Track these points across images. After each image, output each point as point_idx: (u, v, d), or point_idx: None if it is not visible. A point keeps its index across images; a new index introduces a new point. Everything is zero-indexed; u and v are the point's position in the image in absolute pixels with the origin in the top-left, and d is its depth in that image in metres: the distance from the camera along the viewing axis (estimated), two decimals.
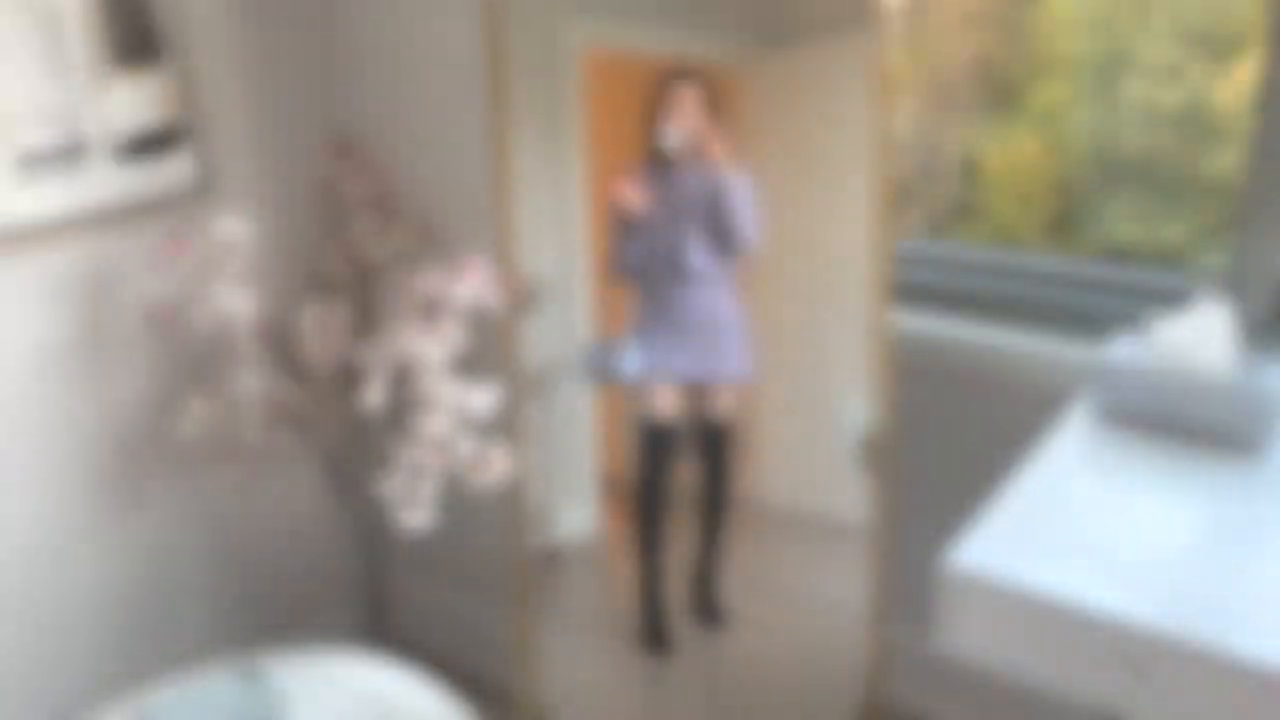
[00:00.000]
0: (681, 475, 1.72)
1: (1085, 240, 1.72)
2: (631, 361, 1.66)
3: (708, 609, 1.72)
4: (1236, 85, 1.52)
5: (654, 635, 1.72)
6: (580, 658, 1.77)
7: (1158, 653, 0.96)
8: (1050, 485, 1.23)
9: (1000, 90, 1.77)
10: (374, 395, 1.70)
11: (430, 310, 1.72)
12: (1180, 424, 1.32)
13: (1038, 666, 1.06)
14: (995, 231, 1.81)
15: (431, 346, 1.62)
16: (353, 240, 1.97)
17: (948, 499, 1.77)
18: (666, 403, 1.66)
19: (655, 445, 1.68)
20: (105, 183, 1.65)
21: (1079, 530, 1.14)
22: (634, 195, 1.61)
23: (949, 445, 1.74)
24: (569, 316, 1.71)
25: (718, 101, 1.60)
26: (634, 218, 1.62)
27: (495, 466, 1.56)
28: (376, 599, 2.03)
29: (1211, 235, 1.61)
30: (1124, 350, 1.39)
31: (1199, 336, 1.32)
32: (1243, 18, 1.51)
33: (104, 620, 1.83)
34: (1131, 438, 1.33)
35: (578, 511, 1.79)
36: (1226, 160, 1.56)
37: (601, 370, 1.68)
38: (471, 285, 1.70)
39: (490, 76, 1.52)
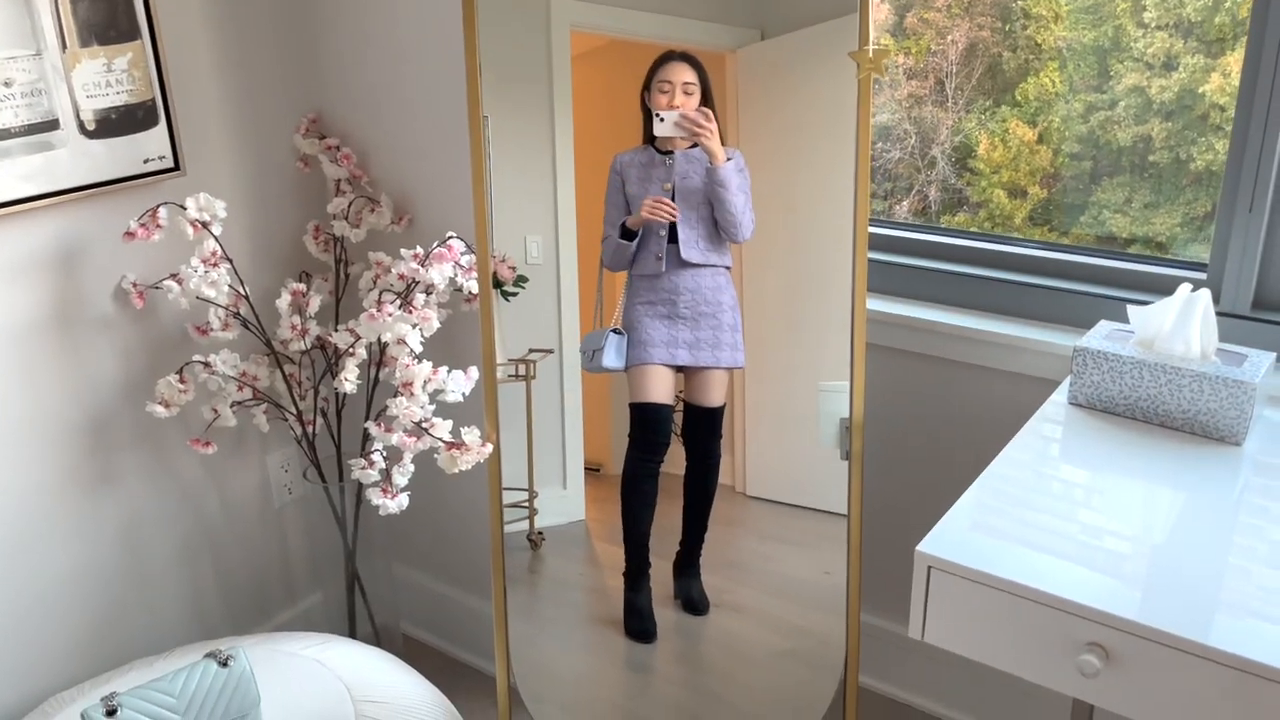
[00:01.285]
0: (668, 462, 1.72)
1: (1074, 230, 1.72)
2: (610, 357, 1.65)
3: (691, 596, 1.72)
4: (1227, 76, 1.52)
5: (639, 623, 1.72)
6: (561, 643, 1.76)
7: (1129, 640, 0.96)
8: (1026, 472, 1.23)
9: (992, 78, 1.76)
10: (350, 377, 1.69)
11: (407, 292, 1.70)
12: (1158, 412, 1.32)
13: (1009, 654, 1.06)
14: (987, 220, 1.79)
15: (408, 329, 1.61)
16: (329, 220, 1.95)
17: (930, 486, 1.78)
18: (659, 390, 1.65)
19: (646, 431, 1.67)
20: (75, 161, 1.62)
21: (1052, 516, 1.14)
22: (671, 210, 1.59)
23: (933, 432, 1.74)
24: (555, 301, 1.71)
25: (710, 84, 1.58)
26: (636, 221, 1.61)
27: (471, 450, 1.55)
28: (353, 582, 2.02)
29: (1200, 227, 1.61)
30: (1103, 338, 1.39)
31: (1178, 325, 1.32)
32: (1233, 9, 1.50)
33: (76, 603, 1.81)
34: (1109, 425, 1.33)
35: (561, 496, 1.76)
36: (1216, 152, 1.55)
37: (588, 359, 1.67)
38: (448, 267, 1.69)
39: (470, 56, 1.50)
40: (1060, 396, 1.41)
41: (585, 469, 1.77)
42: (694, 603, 1.71)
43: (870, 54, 1.41)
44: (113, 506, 1.83)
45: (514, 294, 1.66)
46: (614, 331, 1.65)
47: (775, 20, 1.59)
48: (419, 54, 1.85)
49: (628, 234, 1.62)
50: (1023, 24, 1.71)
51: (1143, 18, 1.58)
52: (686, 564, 1.70)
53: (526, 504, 1.73)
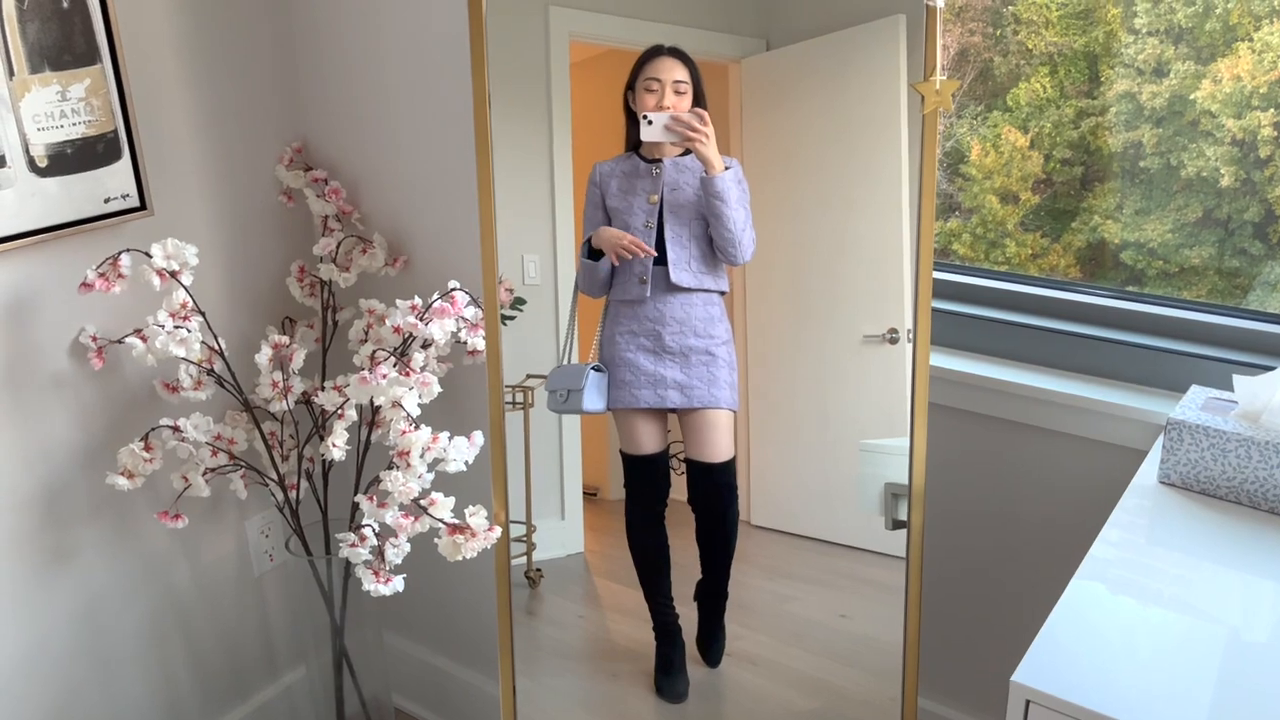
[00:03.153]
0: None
1: (1065, 238, 1.71)
2: (591, 399, 1.47)
3: (706, 647, 1.57)
4: (1218, 83, 1.51)
5: (669, 682, 1.57)
6: (563, 701, 1.64)
7: None
8: (1122, 574, 1.09)
9: (984, 83, 1.74)
10: (338, 443, 1.50)
11: (403, 348, 1.52)
12: (1268, 497, 1.19)
13: None
14: (979, 226, 1.77)
15: (405, 392, 1.42)
16: (316, 262, 1.77)
17: (993, 562, 1.62)
18: (649, 438, 1.48)
19: (642, 485, 1.52)
20: (24, 202, 1.45)
21: (1160, 632, 1.00)
22: (644, 249, 1.42)
23: (991, 501, 1.59)
24: (554, 323, 1.58)
25: (702, 83, 1.42)
26: (602, 242, 1.45)
27: (478, 536, 1.36)
28: (340, 658, 1.84)
29: (1192, 234, 1.58)
30: (1199, 408, 1.23)
31: None
32: (1224, 15, 1.48)
33: (28, 690, 1.64)
34: (1210, 510, 1.20)
35: (559, 527, 1.68)
36: (1207, 158, 1.54)
37: (560, 400, 1.49)
38: (451, 321, 1.51)
39: (476, 80, 1.32)
40: (1148, 472, 1.27)
41: (584, 493, 1.67)
42: (708, 653, 1.58)
43: (937, 86, 1.24)
44: (68, 584, 1.66)
45: (511, 317, 1.53)
46: (594, 369, 1.47)
47: (781, 30, 1.50)
48: (413, 75, 1.69)
49: (595, 253, 1.45)
50: (1014, 29, 1.69)
51: (1134, 24, 1.57)
52: (706, 616, 1.57)
53: (525, 538, 1.62)
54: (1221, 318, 1.44)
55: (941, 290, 1.64)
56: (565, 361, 1.52)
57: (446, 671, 2.11)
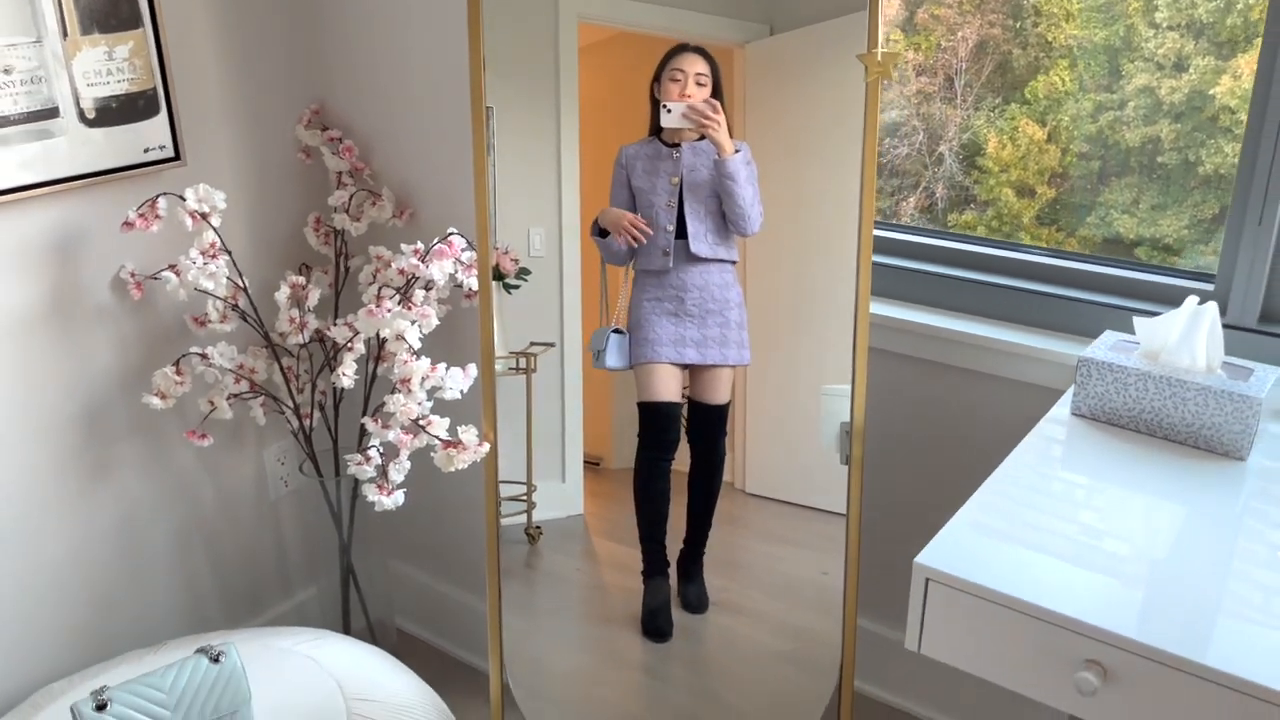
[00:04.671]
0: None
1: (1081, 231, 1.71)
2: (612, 358, 1.63)
3: (691, 594, 1.70)
4: (1237, 79, 1.51)
5: (654, 622, 1.70)
6: (557, 640, 1.75)
7: (1127, 658, 0.95)
8: (1026, 483, 1.22)
9: (1002, 76, 1.74)
10: (347, 372, 1.67)
11: (407, 288, 1.69)
12: (1162, 425, 1.31)
13: (1006, 669, 1.05)
14: (995, 219, 1.79)
15: (407, 325, 1.59)
16: (330, 213, 1.94)
17: (930, 492, 1.77)
18: (667, 388, 1.63)
19: (656, 430, 1.64)
20: (75, 149, 1.61)
21: (1052, 530, 1.13)
22: (643, 229, 1.58)
23: (935, 439, 1.73)
24: (558, 294, 1.67)
25: (721, 78, 1.56)
26: (608, 223, 1.59)
27: (468, 449, 1.53)
28: (347, 577, 2.01)
29: (1208, 229, 1.59)
30: (1108, 348, 1.37)
31: (1184, 338, 1.30)
32: (1245, 11, 1.49)
33: (68, 594, 1.80)
34: (1112, 437, 1.32)
35: (560, 489, 1.75)
36: (1225, 154, 1.55)
37: (595, 359, 1.66)
38: (449, 264, 1.68)
39: (474, 48, 1.48)
40: (1063, 407, 1.40)
41: (585, 463, 1.75)
42: (693, 601, 1.70)
43: (879, 57, 1.39)
44: (107, 497, 1.82)
45: (516, 286, 1.64)
46: (614, 331, 1.63)
47: (784, 15, 1.57)
48: (424, 45, 1.83)
49: (603, 231, 1.60)
50: (1034, 21, 1.69)
51: (1154, 18, 1.57)
52: (690, 561, 1.69)
53: (525, 498, 1.72)
54: (1133, 272, 1.57)
55: (890, 248, 1.76)
56: (603, 324, 1.67)
57: (444, 593, 2.25)
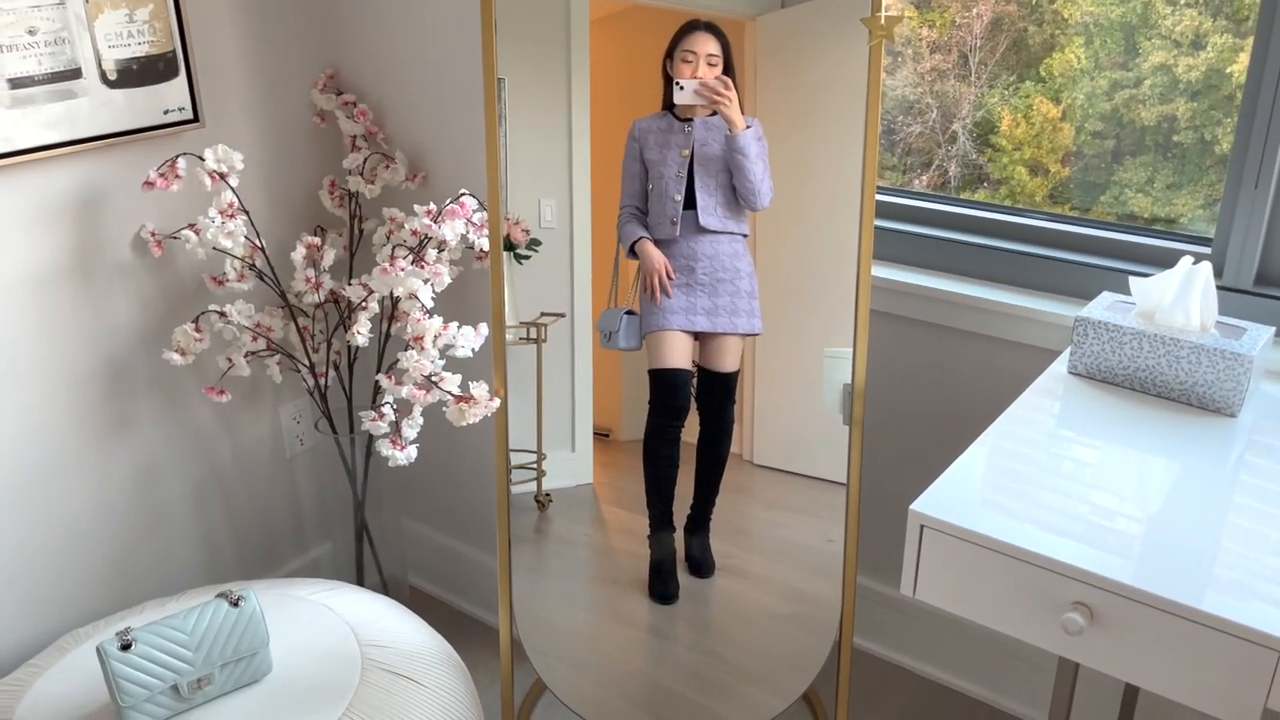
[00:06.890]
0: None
1: (1095, 209, 1.70)
2: (624, 339, 1.66)
3: (697, 558, 1.74)
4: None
5: (662, 585, 1.74)
6: (565, 600, 1.78)
7: (1113, 599, 0.99)
8: (1022, 438, 1.25)
9: (1016, 53, 1.74)
10: (362, 330, 1.71)
11: (420, 248, 1.72)
12: (1156, 383, 1.34)
13: (996, 611, 1.09)
14: (1008, 197, 1.78)
15: (420, 284, 1.63)
16: (345, 176, 1.97)
17: (930, 451, 1.80)
18: (677, 356, 1.66)
19: (666, 396, 1.66)
20: (96, 110, 1.64)
21: (1046, 482, 1.16)
22: (665, 286, 1.62)
23: (936, 399, 1.76)
24: (568, 265, 1.69)
25: (733, 55, 1.57)
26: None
27: (479, 404, 1.57)
28: (361, 533, 2.06)
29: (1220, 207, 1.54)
30: (1104, 308, 1.40)
31: (1179, 298, 1.33)
32: None
33: (91, 543, 1.86)
34: (1107, 394, 1.35)
35: (570, 459, 1.77)
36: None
37: (605, 339, 1.69)
38: (460, 224, 1.71)
39: (486, 21, 1.51)
40: (1060, 366, 1.43)
41: (595, 434, 1.78)
42: (700, 565, 1.73)
43: (882, 20, 1.41)
44: (128, 450, 1.87)
45: (526, 257, 1.66)
46: (627, 313, 1.66)
47: None
48: (437, 12, 1.86)
49: (633, 251, 1.64)
50: None
51: None
52: (696, 527, 1.73)
53: (535, 466, 1.75)
54: (1132, 235, 1.60)
55: (893, 212, 1.79)
56: (611, 305, 1.69)
57: (456, 551, 2.30)
